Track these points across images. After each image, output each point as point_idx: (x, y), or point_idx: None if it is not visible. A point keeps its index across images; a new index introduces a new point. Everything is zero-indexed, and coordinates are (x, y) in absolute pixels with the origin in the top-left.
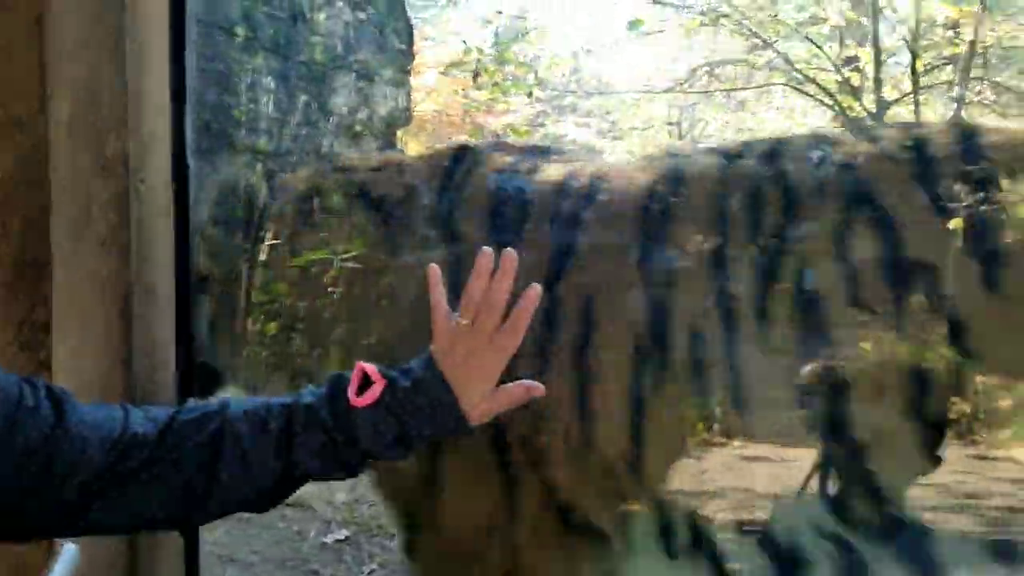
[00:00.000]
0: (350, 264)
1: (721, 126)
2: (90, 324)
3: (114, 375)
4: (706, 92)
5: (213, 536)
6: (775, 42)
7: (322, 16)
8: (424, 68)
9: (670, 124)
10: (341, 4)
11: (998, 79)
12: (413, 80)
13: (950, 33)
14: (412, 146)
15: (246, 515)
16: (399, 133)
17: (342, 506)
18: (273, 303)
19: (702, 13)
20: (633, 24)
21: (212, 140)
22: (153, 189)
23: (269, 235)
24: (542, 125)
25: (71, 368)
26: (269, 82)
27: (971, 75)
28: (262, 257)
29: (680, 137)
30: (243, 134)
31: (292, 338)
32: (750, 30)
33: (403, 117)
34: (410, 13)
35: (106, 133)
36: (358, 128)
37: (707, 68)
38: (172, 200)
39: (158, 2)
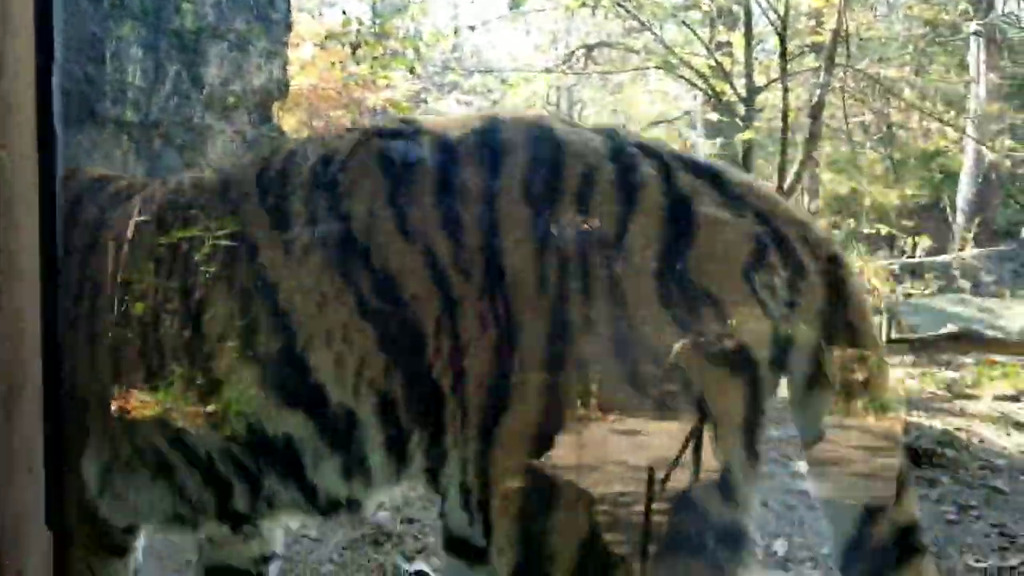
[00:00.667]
0: (224, 242)
1: (598, 108)
2: None
3: None
4: (583, 73)
5: None
6: (652, 25)
7: None
8: (301, 40)
9: (549, 104)
10: None
11: (859, 67)
12: (290, 53)
13: (813, 22)
14: (288, 121)
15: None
16: (275, 106)
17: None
18: (140, 283)
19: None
20: (516, 2)
21: (74, 110)
22: (16, 158)
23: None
24: (424, 102)
25: None
26: (136, 51)
27: (834, 62)
28: (128, 234)
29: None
30: (108, 105)
31: (161, 319)
32: (628, 11)
33: (278, 90)
34: None
35: None
36: (231, 100)
37: (585, 50)
38: (38, 169)
39: None
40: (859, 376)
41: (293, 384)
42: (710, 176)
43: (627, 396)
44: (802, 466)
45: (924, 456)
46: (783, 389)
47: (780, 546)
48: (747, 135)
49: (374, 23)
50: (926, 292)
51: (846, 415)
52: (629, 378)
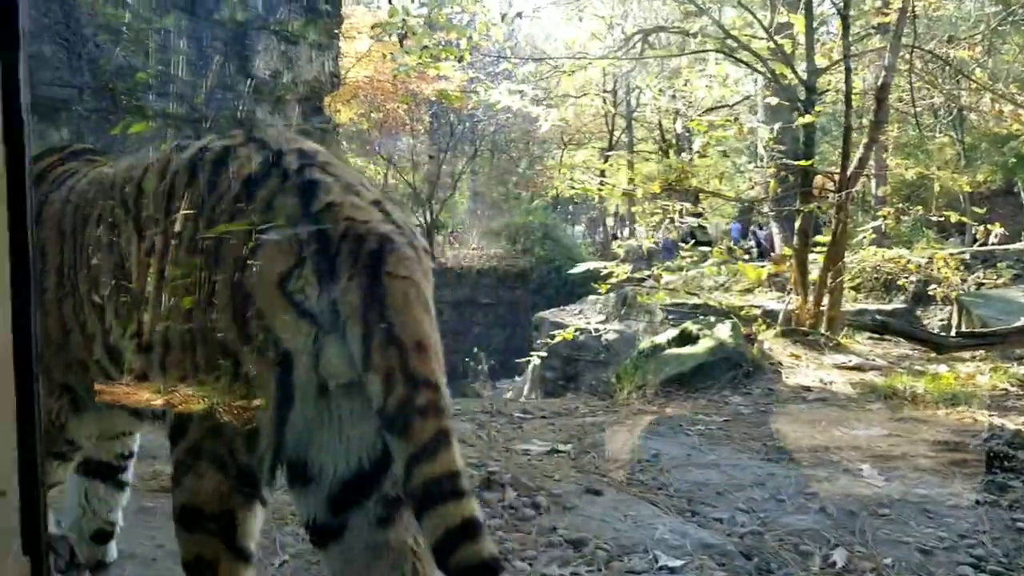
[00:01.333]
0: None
1: (656, 93)
2: None
3: None
4: (640, 59)
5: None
6: (709, 8)
7: None
8: (356, 33)
9: (605, 92)
10: None
11: (927, 47)
12: (345, 45)
13: (880, 2)
14: (344, 113)
15: (148, 504)
16: (327, 99)
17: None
18: (187, 277)
19: None
20: None
21: (116, 104)
22: None
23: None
24: (475, 92)
25: None
26: (182, 43)
27: (901, 43)
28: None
29: (615, 105)
30: (152, 99)
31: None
32: None
33: (330, 82)
34: None
35: None
36: (280, 92)
37: (641, 35)
38: (4, 163)
39: None
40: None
41: None
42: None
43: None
44: (866, 469)
45: (995, 459)
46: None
47: (840, 556)
48: (807, 119)
49: (425, 11)
50: (999, 282)
51: None
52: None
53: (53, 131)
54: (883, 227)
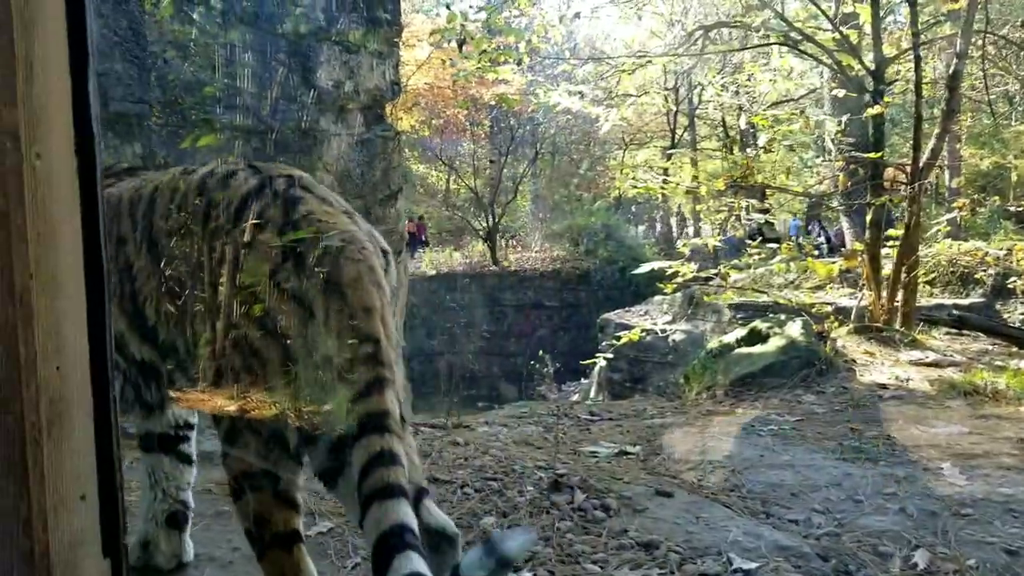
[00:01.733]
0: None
1: (718, 90)
2: None
3: (14, 383)
4: (702, 55)
5: (190, 533)
6: (771, 1)
7: None
8: (415, 40)
9: (667, 90)
10: None
11: (1000, 33)
12: (405, 52)
13: None
14: (406, 121)
15: (224, 508)
16: (388, 107)
17: (327, 497)
18: (258, 285)
19: None
20: None
21: (185, 118)
22: (52, 164)
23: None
24: (534, 95)
25: None
26: (247, 57)
27: (973, 29)
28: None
29: (676, 102)
30: (220, 112)
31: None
32: None
33: (391, 90)
34: None
35: None
36: (343, 102)
37: (702, 31)
38: (76, 175)
39: None
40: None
41: None
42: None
43: None
44: (947, 468)
45: None
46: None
47: (921, 557)
48: (876, 110)
49: (483, 16)
50: None
51: None
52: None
53: (127, 145)
54: (958, 219)
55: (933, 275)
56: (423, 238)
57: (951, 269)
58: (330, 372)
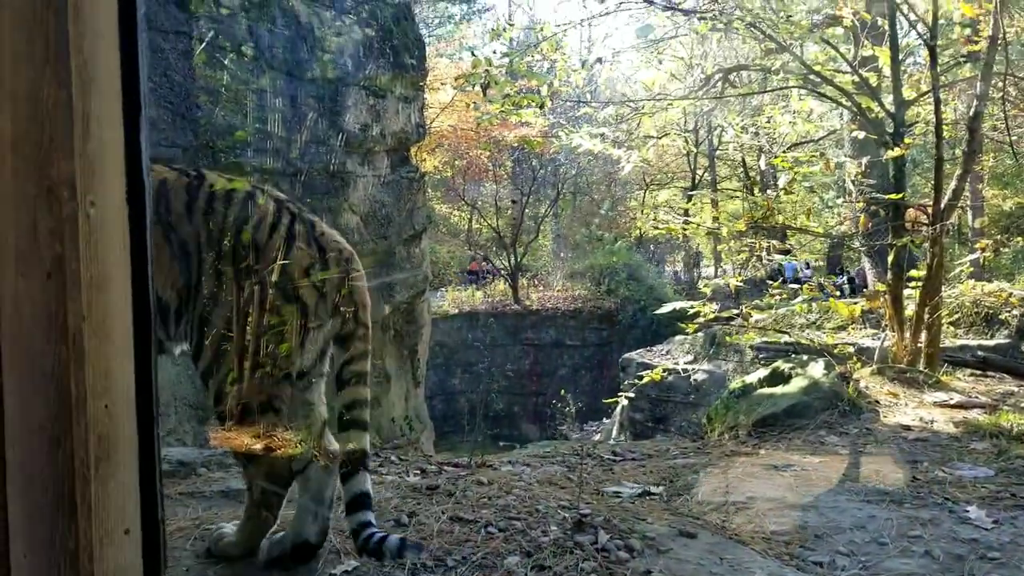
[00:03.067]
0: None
1: (738, 131)
2: (37, 363)
3: (65, 420)
4: (722, 98)
5: (214, 569)
6: (790, 45)
7: (330, 33)
8: (439, 84)
9: (687, 132)
10: (349, 22)
11: (1020, 74)
12: (429, 96)
13: (968, 31)
14: (430, 162)
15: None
16: (413, 149)
17: (351, 535)
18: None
19: (714, 18)
20: (642, 30)
21: (216, 161)
22: (104, 212)
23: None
24: (556, 136)
25: (18, 413)
26: (277, 102)
27: (993, 70)
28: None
29: (697, 144)
30: (249, 155)
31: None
32: (764, 33)
33: (416, 132)
34: (424, 30)
35: (50, 153)
36: (370, 145)
37: (722, 74)
38: (127, 224)
39: (106, 12)
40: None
41: None
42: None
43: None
44: (972, 511)
45: None
46: None
47: None
48: (895, 152)
49: (506, 61)
50: None
51: None
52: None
53: None
54: (981, 260)
55: (957, 316)
56: (482, 275)
57: (975, 310)
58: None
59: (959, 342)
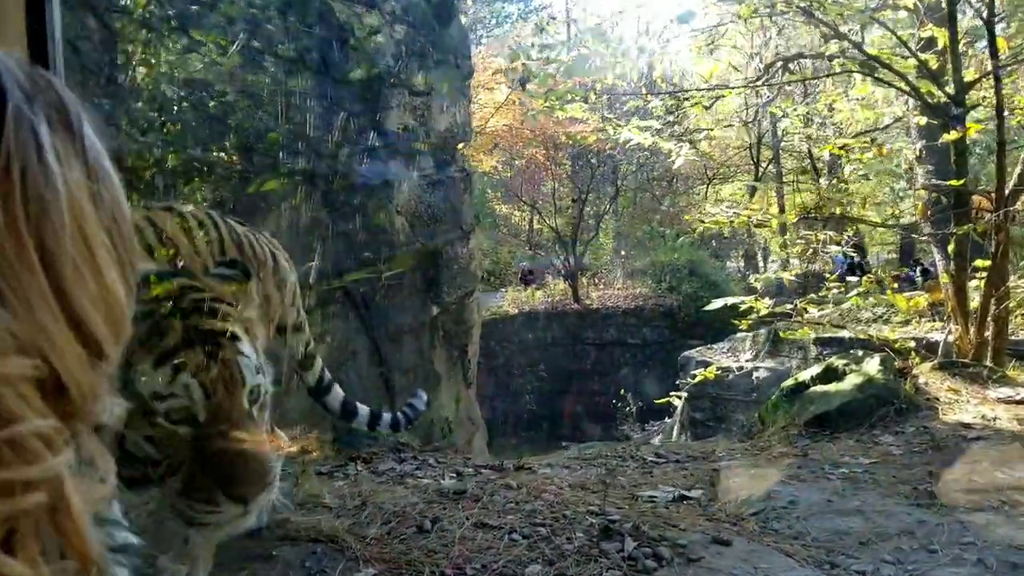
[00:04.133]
0: None
1: (798, 121)
2: None
3: None
4: (780, 85)
5: None
6: (848, 30)
7: (368, 32)
8: (495, 84)
9: (746, 123)
10: (391, 20)
11: None
12: (485, 96)
13: None
14: (487, 162)
15: (273, 552)
16: (460, 148)
17: (373, 541)
18: None
19: (767, 6)
20: (684, 16)
21: (256, 163)
22: None
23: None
24: (603, 131)
25: None
26: (315, 103)
27: None
28: None
29: (760, 136)
30: (284, 157)
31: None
32: (819, 19)
33: (463, 132)
34: (482, 30)
35: None
36: (415, 146)
37: (781, 62)
38: None
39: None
40: None
41: None
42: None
43: None
44: None
45: None
46: None
47: None
48: (953, 135)
49: (546, 55)
50: None
51: None
52: None
53: (197, 192)
54: None
55: None
56: (535, 277)
57: None
58: None
59: None
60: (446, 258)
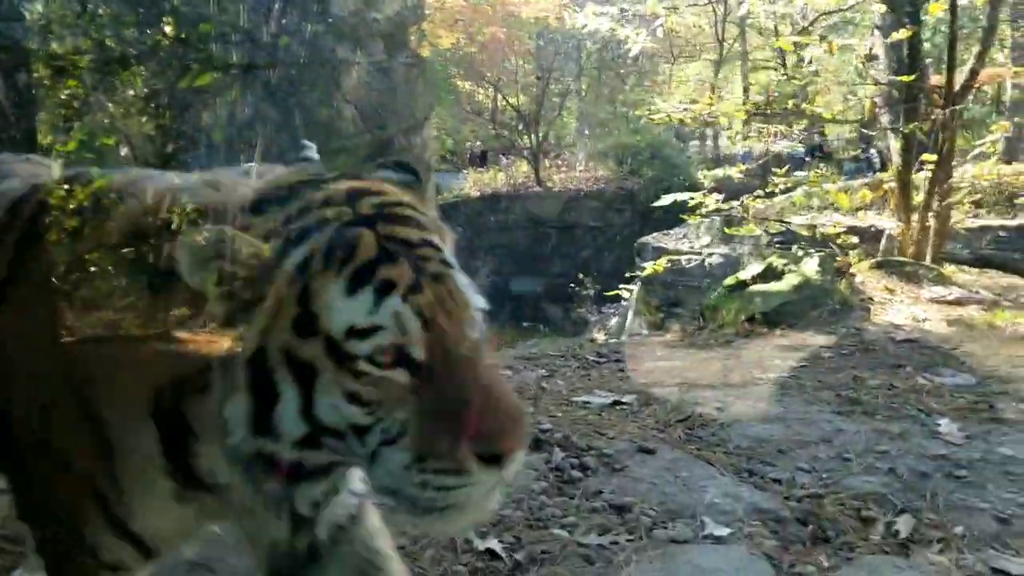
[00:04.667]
0: None
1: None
2: None
3: None
4: None
5: None
6: None
7: None
8: None
9: (710, 1)
10: None
11: None
12: None
13: None
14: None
15: None
16: (412, 30)
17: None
18: None
19: None
20: None
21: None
22: None
23: None
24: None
25: None
26: None
27: None
28: None
29: (726, 12)
30: (216, 47)
31: None
32: None
33: (414, 14)
34: None
35: None
36: (361, 30)
37: None
38: None
39: None
40: None
41: None
42: None
43: None
44: (944, 424)
45: None
46: None
47: (904, 524)
48: (904, 33)
49: None
50: None
51: None
52: None
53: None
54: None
55: (978, 196)
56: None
57: (999, 190)
58: None
59: (980, 223)
60: (398, 148)
